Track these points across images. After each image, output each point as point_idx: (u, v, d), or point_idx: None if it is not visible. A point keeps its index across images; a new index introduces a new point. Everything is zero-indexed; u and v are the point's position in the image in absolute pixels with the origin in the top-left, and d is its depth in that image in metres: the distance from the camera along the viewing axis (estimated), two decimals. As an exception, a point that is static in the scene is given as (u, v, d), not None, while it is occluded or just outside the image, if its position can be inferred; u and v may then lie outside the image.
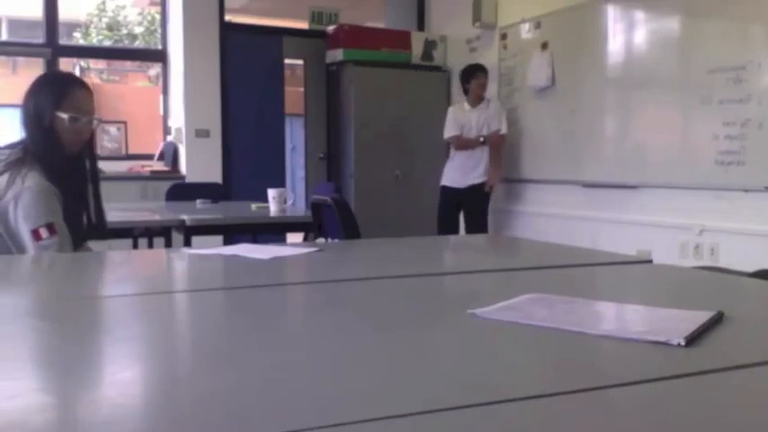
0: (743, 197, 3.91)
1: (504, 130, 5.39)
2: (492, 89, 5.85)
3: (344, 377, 0.79)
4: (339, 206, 3.57)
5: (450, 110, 5.55)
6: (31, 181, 2.04)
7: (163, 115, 6.72)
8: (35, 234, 2.00)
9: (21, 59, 8.62)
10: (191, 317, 1.21)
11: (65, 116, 2.14)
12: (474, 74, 5.41)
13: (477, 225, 5.33)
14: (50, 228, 2.02)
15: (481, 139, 5.33)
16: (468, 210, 5.43)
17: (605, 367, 0.87)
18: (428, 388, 0.76)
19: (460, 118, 5.42)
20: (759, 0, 3.82)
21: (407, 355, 0.91)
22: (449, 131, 5.45)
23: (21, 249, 2.03)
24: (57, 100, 2.16)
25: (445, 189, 5.48)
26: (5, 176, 2.05)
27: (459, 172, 5.41)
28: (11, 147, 2.16)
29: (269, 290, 1.39)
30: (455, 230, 5.46)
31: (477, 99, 5.41)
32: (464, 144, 5.40)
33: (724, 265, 2.57)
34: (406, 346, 0.95)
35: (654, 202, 4.46)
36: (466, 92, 5.45)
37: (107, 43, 10.32)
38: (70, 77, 2.29)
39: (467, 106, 5.45)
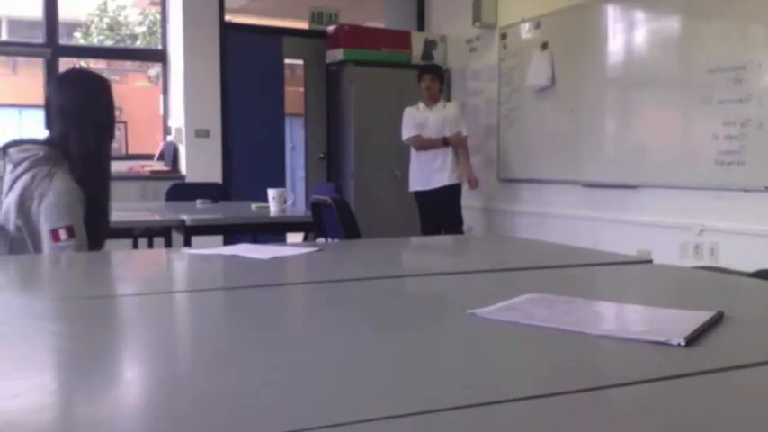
0: (743, 197, 3.91)
1: (464, 132, 5.34)
2: (492, 89, 5.85)
3: (344, 377, 0.79)
4: (339, 206, 3.57)
5: (406, 111, 5.43)
6: (59, 181, 2.04)
7: (163, 115, 6.73)
8: (54, 234, 2.00)
9: (21, 59, 8.63)
10: (191, 317, 1.21)
11: (112, 122, 2.21)
12: (420, 75, 5.39)
13: (452, 227, 5.26)
14: (69, 230, 2.01)
15: (444, 140, 5.25)
16: (441, 212, 5.33)
17: (605, 367, 0.87)
18: (428, 388, 0.76)
19: (417, 117, 5.34)
20: (759, 0, 3.82)
21: (407, 355, 0.91)
22: (406, 132, 5.35)
23: (37, 247, 2.03)
24: (107, 105, 2.20)
25: (416, 194, 5.42)
26: (32, 172, 2.04)
27: (426, 174, 5.32)
28: (33, 142, 2.15)
29: (269, 290, 1.39)
30: (439, 233, 5.37)
31: (428, 99, 5.34)
32: (425, 144, 5.30)
33: (724, 265, 2.57)
34: (405, 346, 0.95)
35: (654, 202, 4.46)
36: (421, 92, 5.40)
37: (107, 43, 10.32)
38: (107, 80, 2.30)
39: (422, 106, 5.39)
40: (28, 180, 2.03)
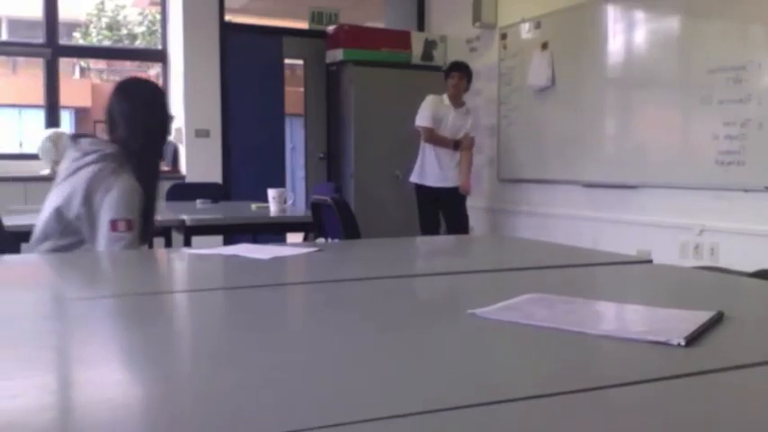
0: (743, 197, 3.91)
1: (473, 134, 5.29)
2: (492, 89, 5.85)
3: (344, 377, 0.79)
4: (339, 206, 3.57)
5: (429, 98, 5.26)
6: (124, 178, 2.18)
7: (163, 115, 6.71)
8: (113, 224, 2.11)
9: (21, 59, 8.63)
10: (191, 317, 1.21)
11: (167, 128, 2.42)
12: (449, 72, 5.28)
13: (459, 227, 5.19)
14: (129, 223, 2.14)
15: (454, 146, 5.17)
16: (449, 211, 5.27)
17: (605, 367, 0.87)
18: (428, 388, 0.76)
19: (438, 110, 5.21)
20: (759, 0, 3.82)
21: (407, 355, 0.91)
22: (422, 120, 5.18)
23: (94, 235, 2.14)
24: (164, 113, 2.40)
25: (421, 188, 5.28)
26: (100, 165, 2.17)
27: (437, 169, 5.20)
28: (90, 137, 2.30)
29: (269, 290, 1.39)
30: (437, 231, 5.32)
31: (453, 98, 5.24)
32: (438, 141, 5.18)
33: (724, 265, 2.58)
34: (405, 346, 0.95)
35: (654, 202, 4.46)
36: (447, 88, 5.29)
37: (107, 43, 10.32)
38: (163, 90, 2.57)
39: (447, 101, 5.26)
40: (96, 171, 2.15)
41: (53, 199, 2.17)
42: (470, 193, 5.32)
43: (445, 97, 5.28)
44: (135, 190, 2.19)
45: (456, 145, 5.19)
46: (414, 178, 5.33)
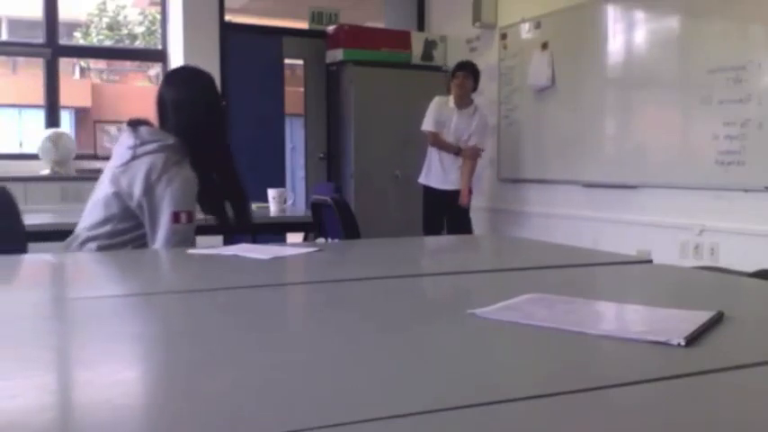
0: (743, 197, 3.91)
1: (483, 146, 5.25)
2: (492, 89, 5.84)
3: (344, 377, 0.79)
4: (339, 206, 3.57)
5: (434, 101, 5.26)
6: (186, 170, 2.18)
7: (163, 115, 6.71)
8: (175, 216, 2.12)
9: (21, 59, 8.63)
10: (191, 317, 1.21)
11: (222, 113, 2.38)
12: (454, 72, 5.23)
13: (461, 231, 5.17)
14: (189, 216, 2.16)
15: (456, 152, 5.14)
16: (451, 214, 5.24)
17: (605, 367, 0.87)
18: (428, 388, 0.76)
19: (442, 113, 5.19)
20: (759, 0, 3.82)
21: (407, 355, 0.91)
22: (427, 124, 5.20)
23: (154, 224, 2.14)
24: (216, 97, 2.37)
25: (427, 189, 5.29)
26: (163, 155, 2.15)
27: (441, 171, 5.21)
28: (148, 125, 2.26)
29: (269, 290, 1.39)
30: (439, 232, 5.29)
31: (457, 98, 5.19)
32: (441, 145, 5.19)
33: (724, 265, 2.57)
34: (406, 346, 0.95)
35: (654, 202, 4.46)
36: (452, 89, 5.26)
37: (107, 43, 10.32)
38: (212, 75, 2.45)
39: (451, 103, 5.23)
40: (158, 161, 2.14)
41: (107, 183, 2.16)
42: (467, 205, 5.24)
43: (450, 99, 5.25)
44: (194, 182, 2.19)
45: (458, 152, 5.16)
46: (421, 179, 5.34)
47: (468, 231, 5.29)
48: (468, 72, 5.20)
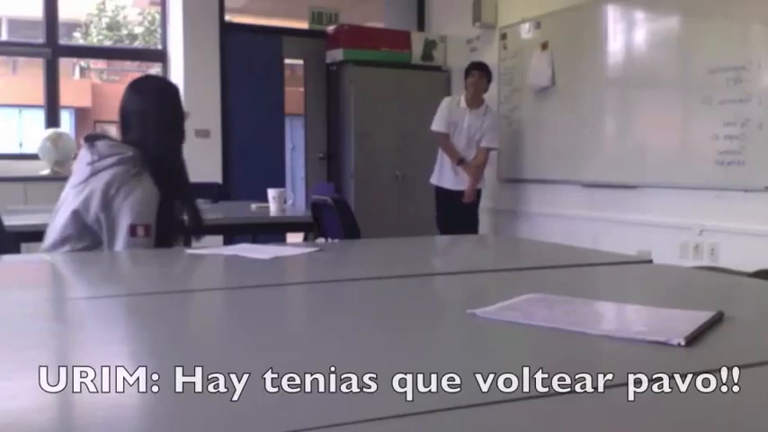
0: (743, 197, 3.91)
1: (495, 145, 5.26)
2: (492, 89, 5.84)
3: (344, 377, 0.79)
4: (339, 206, 3.57)
5: (445, 102, 5.31)
6: (146, 182, 2.15)
7: (163, 115, 6.70)
8: (132, 229, 2.09)
9: (21, 59, 8.63)
10: (191, 317, 1.21)
11: (182, 124, 2.34)
12: (468, 71, 5.26)
13: (469, 230, 5.19)
14: (147, 229, 2.12)
15: (459, 161, 5.19)
16: (460, 213, 5.27)
17: (605, 367, 0.87)
18: (428, 388, 0.76)
19: (453, 114, 5.22)
20: (759, 0, 3.82)
21: (407, 354, 0.91)
22: (437, 125, 5.23)
23: (112, 238, 2.11)
24: (178, 108, 2.34)
25: (438, 190, 5.34)
26: (121, 168, 2.12)
27: (452, 172, 5.25)
28: (113, 140, 2.24)
29: (269, 290, 1.39)
30: (454, 231, 5.37)
31: (472, 99, 5.22)
32: (447, 150, 5.24)
33: (724, 265, 2.58)
34: (406, 346, 0.95)
35: (654, 202, 4.46)
36: (466, 88, 5.30)
37: (107, 43, 10.32)
38: (176, 86, 2.46)
39: (462, 103, 5.25)
40: (116, 174, 2.11)
41: (69, 201, 2.14)
42: (472, 200, 5.27)
43: (462, 99, 5.28)
44: (154, 194, 2.16)
45: (460, 162, 5.19)
46: (433, 180, 5.38)
47: (474, 230, 5.31)
48: (484, 72, 5.24)
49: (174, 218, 2.28)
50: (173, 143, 2.29)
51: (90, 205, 2.09)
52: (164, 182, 2.20)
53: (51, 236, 2.15)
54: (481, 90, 5.24)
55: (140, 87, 2.32)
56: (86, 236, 2.11)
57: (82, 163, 2.16)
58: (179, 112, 2.33)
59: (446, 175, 5.30)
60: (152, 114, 2.24)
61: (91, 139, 2.19)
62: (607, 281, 1.59)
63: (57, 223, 2.15)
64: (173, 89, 2.37)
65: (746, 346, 0.97)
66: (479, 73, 5.21)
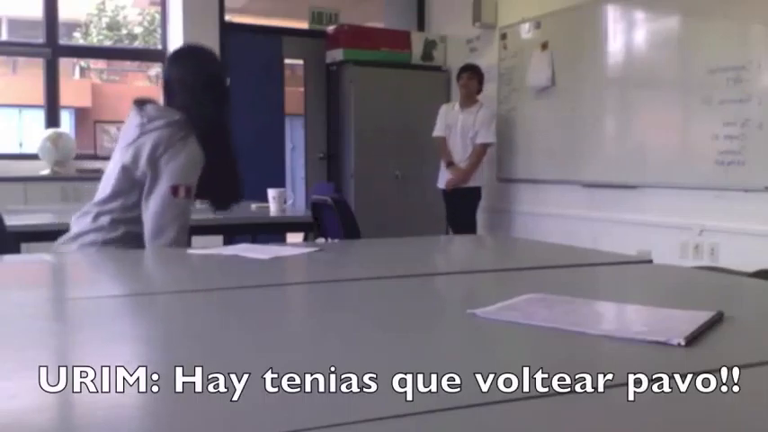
0: (743, 197, 3.91)
1: (489, 140, 5.34)
2: (492, 89, 5.84)
3: (344, 377, 0.79)
4: (339, 206, 3.57)
5: (442, 108, 5.54)
6: (191, 146, 2.19)
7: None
8: (174, 189, 2.14)
9: (21, 59, 8.63)
10: (191, 317, 1.21)
11: (226, 88, 2.38)
12: (459, 74, 5.45)
13: (465, 229, 5.28)
14: (188, 190, 2.17)
15: (447, 164, 5.35)
16: (460, 211, 5.39)
17: (605, 367, 0.87)
18: (428, 388, 0.76)
19: (449, 118, 5.42)
20: (759, 0, 3.82)
21: (407, 354, 0.91)
22: (435, 131, 5.48)
23: (149, 194, 2.14)
24: (221, 73, 2.39)
25: (442, 192, 5.52)
26: (169, 131, 2.17)
27: (446, 172, 5.42)
28: (154, 103, 2.28)
29: (269, 290, 1.39)
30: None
31: (464, 99, 5.39)
32: (441, 153, 5.44)
33: (724, 265, 2.58)
34: (406, 346, 0.95)
35: (654, 202, 4.46)
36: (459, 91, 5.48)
37: (107, 43, 10.32)
38: (215, 52, 2.49)
39: (456, 106, 5.45)
40: (163, 136, 2.16)
41: (118, 159, 2.19)
42: (448, 187, 5.38)
43: (456, 103, 5.48)
44: (199, 158, 2.20)
45: (448, 164, 5.36)
46: (439, 184, 5.53)
47: (474, 227, 5.36)
48: (473, 73, 5.40)
49: (226, 179, 2.34)
50: (215, 107, 2.31)
51: (139, 161, 2.14)
52: (209, 147, 2.24)
53: (102, 191, 2.21)
54: (473, 91, 5.40)
55: (178, 55, 2.39)
56: (136, 190, 2.16)
57: (131, 125, 2.21)
58: (218, 77, 2.35)
59: (443, 177, 5.50)
60: (190, 81, 2.28)
61: (140, 104, 2.24)
62: (607, 281, 1.59)
63: (107, 179, 2.21)
64: (209, 55, 2.40)
65: (746, 346, 0.97)
66: (468, 74, 5.39)
